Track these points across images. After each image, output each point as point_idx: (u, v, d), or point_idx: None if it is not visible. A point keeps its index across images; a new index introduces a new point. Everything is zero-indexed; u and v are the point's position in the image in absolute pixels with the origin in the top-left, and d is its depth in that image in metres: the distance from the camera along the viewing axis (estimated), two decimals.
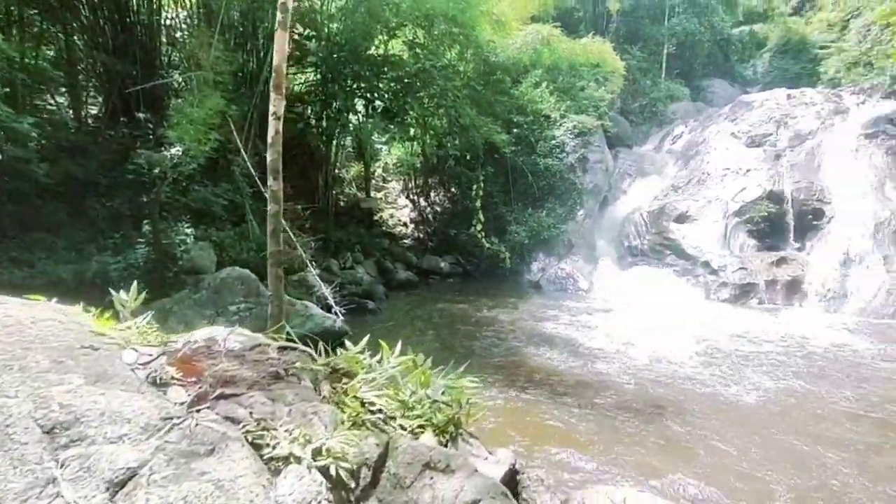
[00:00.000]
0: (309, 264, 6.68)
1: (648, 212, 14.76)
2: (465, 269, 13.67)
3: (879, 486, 4.25)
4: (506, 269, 13.47)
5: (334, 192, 12.37)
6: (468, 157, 13.67)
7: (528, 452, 4.70)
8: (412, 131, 13.41)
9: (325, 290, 6.30)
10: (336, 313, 6.36)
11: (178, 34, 9.37)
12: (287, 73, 11.22)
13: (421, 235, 14.57)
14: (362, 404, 2.10)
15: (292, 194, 10.28)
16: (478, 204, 13.57)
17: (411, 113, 12.80)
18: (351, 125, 12.96)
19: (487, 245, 13.39)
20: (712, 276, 12.39)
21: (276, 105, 4.27)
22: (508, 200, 14.14)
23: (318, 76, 11.39)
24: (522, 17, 15.98)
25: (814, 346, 8.26)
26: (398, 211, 15.23)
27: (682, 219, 14.04)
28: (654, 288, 12.44)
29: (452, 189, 14.73)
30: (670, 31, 22.79)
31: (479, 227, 13.47)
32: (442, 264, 13.57)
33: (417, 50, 12.33)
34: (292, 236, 6.49)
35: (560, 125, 14.69)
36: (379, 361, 2.46)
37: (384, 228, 14.37)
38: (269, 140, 4.31)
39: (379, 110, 12.70)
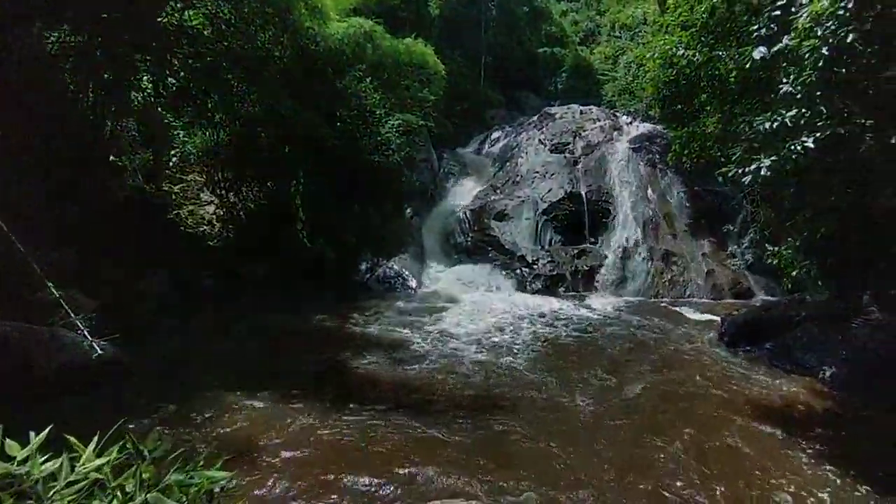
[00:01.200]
0: (47, 283, 4.92)
1: (471, 210, 15.36)
2: (287, 273, 12.30)
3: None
4: (332, 271, 12.55)
5: (110, 185, 9.88)
6: (287, 150, 12.34)
7: (339, 488, 4.03)
8: (217, 117, 11.50)
9: (75, 317, 4.68)
10: (92, 344, 4.79)
11: None
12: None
13: (232, 236, 12.65)
14: None
15: (39, 189, 7.84)
16: (299, 201, 12.30)
17: (215, 97, 10.97)
18: (134, 103, 10.56)
19: (311, 245, 12.26)
20: (527, 268, 13.35)
21: None
22: (333, 197, 13.17)
23: (82, 38, 8.91)
24: (343, 7, 15.18)
25: (607, 325, 9.49)
26: (202, 208, 13.00)
27: (500, 217, 14.90)
28: (479, 282, 12.92)
29: (269, 184, 13.11)
30: (487, 43, 24.33)
31: (300, 225, 12.24)
32: (258, 268, 11.98)
33: (223, 26, 10.61)
34: (21, 248, 4.70)
35: (386, 122, 14.29)
36: (53, 474, 1.50)
37: (183, 228, 12.13)
38: None
39: (173, 89, 10.58)
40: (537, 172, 16.23)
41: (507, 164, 17.79)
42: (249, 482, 3.95)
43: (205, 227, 12.50)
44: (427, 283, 12.79)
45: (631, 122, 18.70)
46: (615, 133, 17.92)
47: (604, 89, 24.30)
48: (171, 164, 13.17)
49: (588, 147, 17.09)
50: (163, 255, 10.08)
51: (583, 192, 15.00)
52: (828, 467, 4.38)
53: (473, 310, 10.38)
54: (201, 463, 1.68)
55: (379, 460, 4.47)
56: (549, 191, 15.21)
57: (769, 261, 8.12)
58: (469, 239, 14.76)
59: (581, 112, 19.73)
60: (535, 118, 20.23)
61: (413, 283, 12.63)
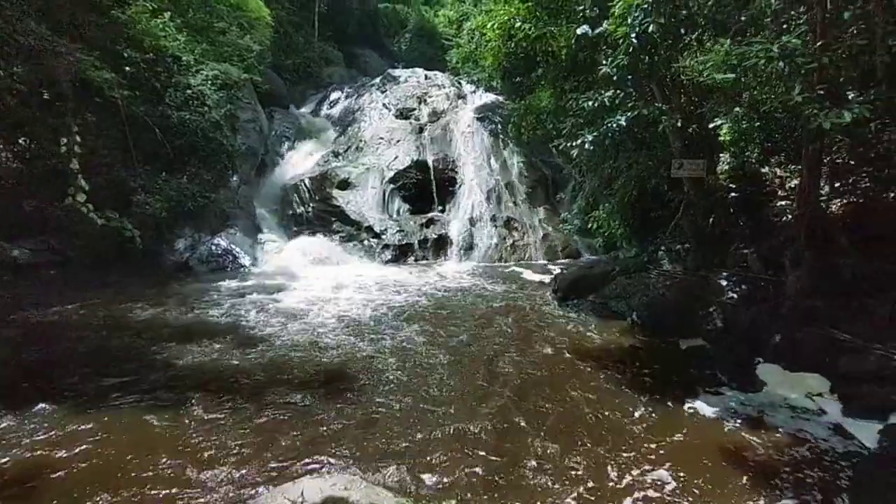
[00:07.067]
0: None
1: (311, 178, 14.93)
2: (66, 257, 10.20)
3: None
4: (137, 251, 10.92)
5: None
6: (46, 96, 10.05)
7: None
8: None
9: None
10: None
11: None
12: None
13: None
14: None
15: None
16: (74, 164, 10.15)
17: None
18: None
19: (100, 220, 10.36)
20: (375, 239, 13.66)
21: None
22: (129, 161, 11.30)
23: None
24: None
25: (455, 290, 10.40)
26: None
27: (344, 185, 14.82)
28: (324, 256, 12.79)
29: (21, 141, 10.40)
30: None
31: (80, 196, 10.16)
32: (14, 252, 9.64)
33: None
34: None
35: (197, 72, 12.85)
36: None
37: None
38: None
39: None
40: (382, 139, 16.45)
41: (350, 128, 17.63)
42: None
43: None
44: (263, 260, 12.20)
45: (475, 91, 19.91)
46: (460, 101, 18.96)
47: (448, 55, 25.25)
48: None
49: (434, 114, 17.82)
50: None
51: (430, 161, 15.71)
52: (623, 385, 5.86)
53: (318, 286, 10.24)
54: None
55: (222, 460, 4.24)
56: (396, 158, 15.58)
57: (590, 225, 9.83)
58: (310, 210, 14.45)
59: (426, 77, 20.36)
60: (378, 80, 20.28)
61: (246, 261, 11.95)
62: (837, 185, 7.28)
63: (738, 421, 5.05)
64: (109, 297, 8.93)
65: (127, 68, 11.21)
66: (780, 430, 4.88)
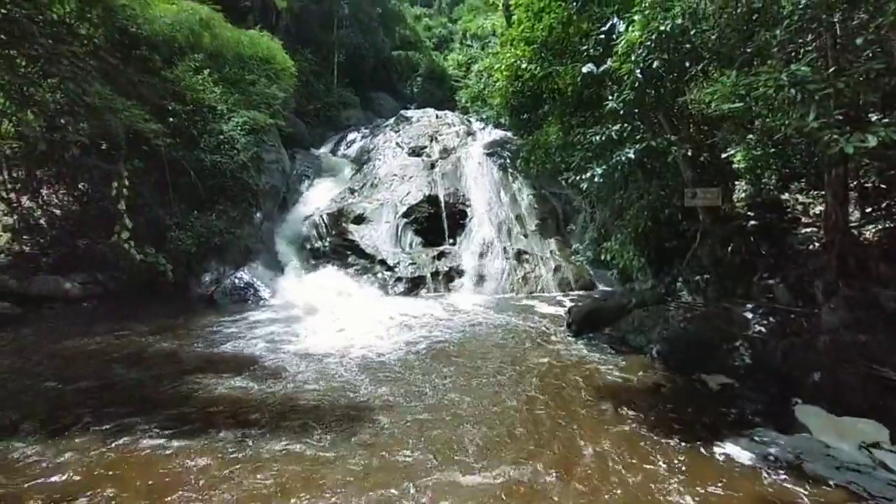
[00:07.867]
0: None
1: (328, 214, 14.92)
2: (108, 289, 10.64)
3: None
4: (168, 284, 11.21)
5: None
6: (103, 146, 10.70)
7: None
8: None
9: None
10: None
11: None
12: None
13: (28, 248, 10.46)
14: None
15: None
16: (122, 206, 10.71)
17: None
18: None
19: (139, 256, 10.76)
20: (389, 272, 13.39)
21: None
22: (167, 202, 11.74)
23: None
24: None
25: (468, 323, 9.95)
26: None
27: (359, 220, 14.72)
28: (339, 289, 12.56)
29: (80, 186, 11.24)
30: (340, 42, 23.92)
31: (125, 234, 10.65)
32: (67, 286, 10.13)
33: None
34: None
35: (229, 119, 13.21)
36: None
37: None
38: None
39: None
40: (396, 175, 16.44)
41: (365, 166, 17.71)
42: None
43: None
44: (283, 293, 11.99)
45: (484, 128, 19.99)
46: (469, 138, 19.04)
47: (458, 95, 25.54)
48: None
49: (445, 151, 17.85)
50: None
51: (441, 195, 15.58)
52: (647, 427, 5.30)
53: (334, 318, 10.04)
54: None
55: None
56: (408, 194, 15.51)
57: (602, 256, 9.38)
58: (327, 244, 14.30)
59: (437, 116, 20.55)
60: (392, 121, 20.52)
61: (266, 294, 11.78)
62: (869, 210, 6.68)
63: (780, 470, 4.45)
64: (140, 328, 8.97)
65: (171, 119, 11.90)
66: (831, 482, 4.28)
